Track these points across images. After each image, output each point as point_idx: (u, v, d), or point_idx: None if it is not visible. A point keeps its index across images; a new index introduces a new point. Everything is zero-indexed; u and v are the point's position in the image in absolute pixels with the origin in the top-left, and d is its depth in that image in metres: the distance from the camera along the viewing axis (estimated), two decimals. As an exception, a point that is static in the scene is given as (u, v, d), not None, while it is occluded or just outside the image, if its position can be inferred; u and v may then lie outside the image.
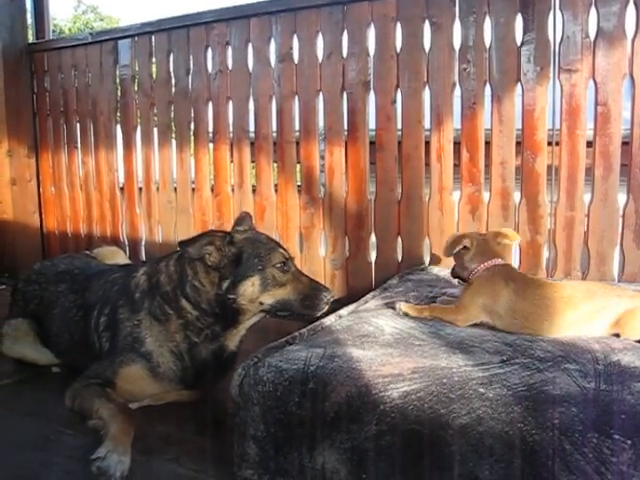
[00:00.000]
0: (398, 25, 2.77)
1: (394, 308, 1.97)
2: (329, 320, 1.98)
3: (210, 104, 3.27)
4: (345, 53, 2.90)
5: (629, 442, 1.13)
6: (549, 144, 2.52)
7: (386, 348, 1.64)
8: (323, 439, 1.43)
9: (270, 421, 1.51)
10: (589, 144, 2.48)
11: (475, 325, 1.84)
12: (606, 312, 1.72)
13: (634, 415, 1.20)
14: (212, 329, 1.97)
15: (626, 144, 2.43)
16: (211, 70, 3.24)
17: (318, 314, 1.95)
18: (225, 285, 1.90)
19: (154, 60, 3.46)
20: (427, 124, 2.75)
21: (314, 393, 1.46)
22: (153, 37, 3.41)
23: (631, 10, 2.41)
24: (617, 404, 1.24)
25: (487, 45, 2.61)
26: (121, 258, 2.84)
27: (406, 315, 1.92)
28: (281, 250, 1.96)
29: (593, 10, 2.44)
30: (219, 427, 1.78)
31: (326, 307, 1.96)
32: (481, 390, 1.33)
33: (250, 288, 1.90)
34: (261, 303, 1.92)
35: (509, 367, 1.47)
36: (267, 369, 1.55)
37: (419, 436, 1.30)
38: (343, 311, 2.11)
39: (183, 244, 1.91)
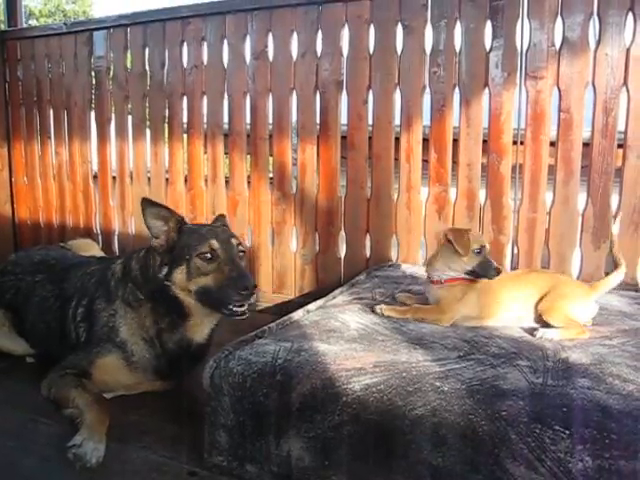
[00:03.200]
0: (372, 27, 2.83)
1: (375, 311, 1.99)
2: (297, 315, 2.05)
3: (185, 98, 3.30)
4: (319, 52, 2.95)
5: (567, 432, 1.22)
6: (514, 144, 2.62)
7: (351, 343, 1.71)
8: (289, 428, 1.51)
9: (239, 411, 1.57)
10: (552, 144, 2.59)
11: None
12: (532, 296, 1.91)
13: (574, 408, 1.29)
14: (171, 316, 2.02)
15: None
16: (186, 65, 3.27)
17: (235, 308, 1.89)
18: (164, 271, 1.96)
19: (129, 53, 3.48)
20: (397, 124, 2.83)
21: (281, 385, 1.53)
22: (129, 30, 3.43)
23: (594, 22, 2.51)
24: (560, 398, 1.33)
25: (457, 50, 2.69)
26: (95, 250, 2.87)
27: (389, 317, 1.95)
28: (212, 241, 1.94)
29: (559, 20, 2.54)
30: (191, 416, 1.84)
31: (243, 301, 1.89)
32: (437, 384, 1.41)
33: (179, 275, 1.94)
34: (189, 291, 1.95)
35: (465, 363, 1.55)
36: (237, 362, 1.62)
37: (378, 426, 1.38)
38: (311, 306, 2.18)
39: (145, 201, 1.97)
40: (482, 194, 2.70)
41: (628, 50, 2.47)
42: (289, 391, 1.51)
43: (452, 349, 1.66)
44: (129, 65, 3.50)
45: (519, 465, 1.24)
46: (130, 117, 3.51)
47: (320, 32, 2.94)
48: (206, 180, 3.33)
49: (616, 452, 1.19)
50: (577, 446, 1.21)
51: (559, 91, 2.56)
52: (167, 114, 3.37)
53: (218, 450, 1.63)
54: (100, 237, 3.69)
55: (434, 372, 1.48)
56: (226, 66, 3.18)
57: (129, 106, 3.51)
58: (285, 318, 2.01)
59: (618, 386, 1.42)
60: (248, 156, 3.22)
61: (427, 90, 2.75)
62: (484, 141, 2.67)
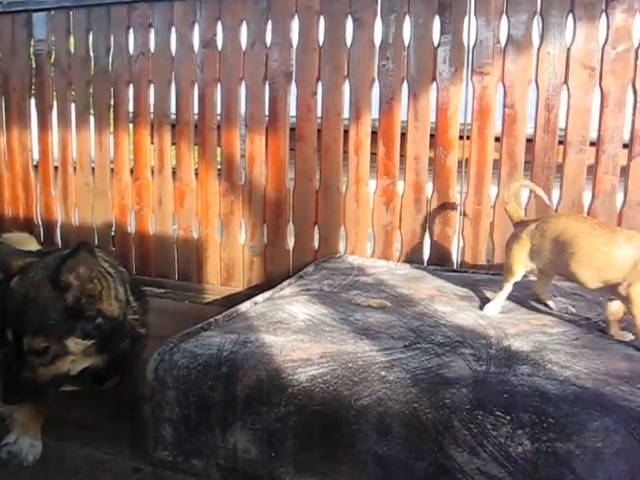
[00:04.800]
0: (322, 19, 2.83)
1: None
2: (244, 307, 2.04)
3: (131, 86, 3.22)
4: (269, 43, 2.93)
5: (508, 417, 1.26)
6: (460, 138, 2.67)
7: (297, 334, 1.71)
8: (235, 420, 1.50)
9: (184, 404, 1.56)
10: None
11: (384, 312, 1.95)
12: None
13: (515, 394, 1.33)
14: None
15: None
16: (132, 52, 3.19)
17: None
18: None
19: (72, 37, 3.36)
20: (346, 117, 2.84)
21: (227, 377, 1.52)
22: (71, 13, 3.31)
23: (538, 21, 2.57)
24: (502, 385, 1.37)
25: (406, 44, 2.71)
26: (33, 245, 2.77)
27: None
28: None
29: (505, 18, 2.59)
30: (135, 412, 1.81)
31: None
32: (383, 373, 1.42)
33: None
34: None
35: (411, 352, 1.57)
36: (182, 354, 1.60)
37: (324, 416, 1.39)
38: (259, 298, 2.17)
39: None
40: (429, 187, 2.73)
41: (569, 50, 2.54)
42: (235, 383, 1.50)
43: (398, 338, 1.68)
44: (72, 50, 3.39)
45: (462, 451, 1.27)
46: (73, 104, 3.41)
47: (270, 22, 2.92)
48: (153, 171, 3.26)
49: (553, 435, 1.23)
50: (517, 431, 1.24)
51: (504, 87, 2.61)
52: (112, 102, 3.29)
53: (163, 445, 1.60)
54: (41, 229, 3.57)
55: (380, 362, 1.49)
56: (174, 54, 3.11)
57: (72, 93, 3.40)
58: (232, 310, 2.00)
59: (557, 372, 1.46)
60: (196, 146, 3.17)
61: (376, 83, 2.76)
62: (431, 135, 2.71)
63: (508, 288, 2.04)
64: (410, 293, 2.19)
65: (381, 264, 2.67)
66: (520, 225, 2.05)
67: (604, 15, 2.52)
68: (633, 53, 2.51)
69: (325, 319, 1.85)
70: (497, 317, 1.94)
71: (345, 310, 1.95)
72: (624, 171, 2.56)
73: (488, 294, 2.16)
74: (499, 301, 2.03)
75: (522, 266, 2.00)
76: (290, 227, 2.98)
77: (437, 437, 1.28)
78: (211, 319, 1.87)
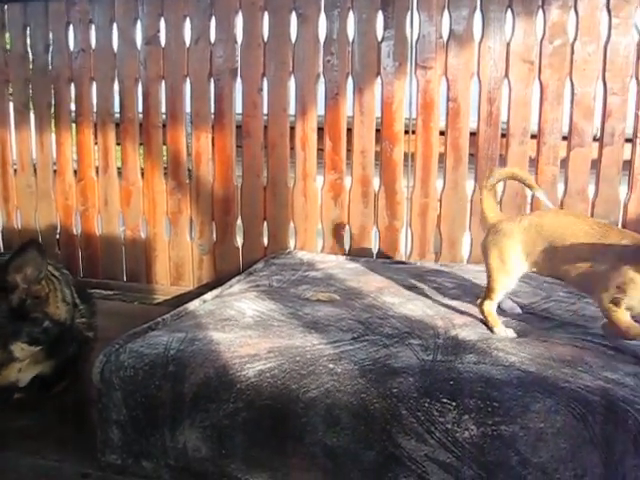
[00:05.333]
0: (266, 14, 2.81)
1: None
2: (193, 305, 2.02)
3: (72, 84, 3.14)
4: (213, 39, 2.90)
5: (454, 404, 1.27)
6: (406, 132, 2.70)
7: (246, 330, 1.70)
8: (183, 419, 1.48)
9: (132, 405, 1.53)
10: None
11: (333, 305, 1.95)
12: None
13: (461, 381, 1.35)
14: None
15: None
16: (73, 48, 3.11)
17: None
18: None
19: (8, 33, 3.25)
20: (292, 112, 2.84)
21: (174, 375, 1.50)
22: (6, 7, 3.20)
23: (478, 16, 2.62)
24: (448, 372, 1.39)
25: (350, 39, 2.72)
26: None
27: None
28: None
29: (446, 13, 2.63)
30: (82, 416, 1.77)
31: None
32: (330, 366, 1.43)
33: None
34: None
35: (359, 344, 1.58)
36: (128, 354, 1.57)
37: (273, 410, 1.38)
38: (207, 296, 2.15)
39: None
40: (376, 181, 2.75)
41: (508, 44, 2.60)
42: (182, 381, 1.48)
43: (347, 331, 1.69)
44: (8, 46, 3.28)
45: (410, 439, 1.28)
46: (11, 103, 3.30)
47: (214, 18, 2.89)
48: (97, 170, 3.19)
49: (498, 418, 1.25)
50: (463, 416, 1.26)
51: (447, 81, 2.65)
52: (53, 100, 3.20)
53: (111, 448, 1.57)
54: (-19, 232, 3.45)
55: (328, 354, 1.49)
56: (116, 51, 3.05)
57: (9, 91, 3.30)
58: (180, 309, 1.97)
59: (502, 358, 1.49)
60: (141, 145, 3.11)
61: (321, 79, 2.77)
62: (377, 129, 2.73)
63: (500, 297, 1.82)
64: (359, 286, 2.20)
65: (331, 259, 2.68)
66: (503, 222, 1.82)
67: (541, 11, 2.59)
68: (569, 48, 2.58)
69: (274, 314, 1.84)
70: (444, 306, 1.96)
71: (294, 305, 1.94)
72: (564, 162, 2.64)
73: (434, 286, 2.20)
74: (499, 321, 1.77)
75: (516, 269, 1.77)
76: (239, 224, 2.96)
77: (385, 426, 1.29)
78: (159, 318, 1.84)
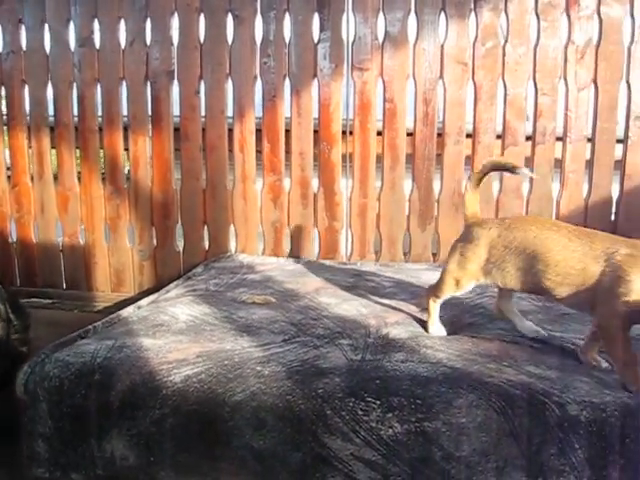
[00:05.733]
0: (202, 16, 2.79)
1: None
2: (127, 312, 1.98)
3: (2, 87, 3.05)
4: (149, 41, 2.85)
5: (378, 402, 1.28)
6: (344, 133, 2.72)
7: (177, 335, 1.68)
8: (110, 428, 1.45)
9: (57, 416, 1.49)
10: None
11: (269, 308, 1.94)
12: None
13: (387, 379, 1.36)
14: None
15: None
16: (2, 49, 3.01)
17: None
18: None
19: None
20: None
21: (100, 384, 1.46)
22: None
23: (413, 18, 2.66)
24: (375, 371, 1.40)
25: (287, 41, 2.72)
26: None
27: None
28: None
29: (381, 15, 2.66)
30: (11, 432, 1.71)
31: None
32: (258, 368, 1.42)
33: None
34: None
35: (289, 346, 1.58)
36: (53, 364, 1.53)
37: (200, 415, 1.37)
38: (143, 301, 2.12)
39: None
40: (315, 182, 2.76)
41: (442, 46, 2.64)
42: (108, 390, 1.45)
43: (278, 333, 1.68)
44: None
45: (336, 438, 1.28)
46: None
47: (149, 20, 2.84)
48: (32, 176, 3.11)
49: (421, 415, 1.27)
50: (387, 414, 1.27)
51: (383, 82, 2.68)
52: (-18, 104, 3.10)
53: (38, 462, 1.52)
54: None
55: (256, 357, 1.49)
56: (48, 53, 2.97)
57: None
58: (113, 316, 1.93)
59: (430, 355, 1.51)
60: (77, 149, 3.04)
61: (258, 81, 2.76)
62: (315, 131, 2.74)
63: (439, 304, 1.76)
64: (297, 287, 2.20)
65: (271, 261, 2.67)
66: (475, 226, 1.68)
67: (473, 14, 2.64)
68: (501, 50, 2.64)
69: (207, 318, 1.83)
70: (379, 305, 1.98)
71: (229, 308, 1.93)
72: (498, 161, 2.69)
73: (372, 285, 2.21)
74: (436, 319, 1.76)
75: (472, 279, 1.67)
76: (179, 228, 2.92)
77: (311, 427, 1.29)
78: (89, 326, 1.80)
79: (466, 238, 1.69)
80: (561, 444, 1.27)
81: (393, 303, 2.01)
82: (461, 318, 1.88)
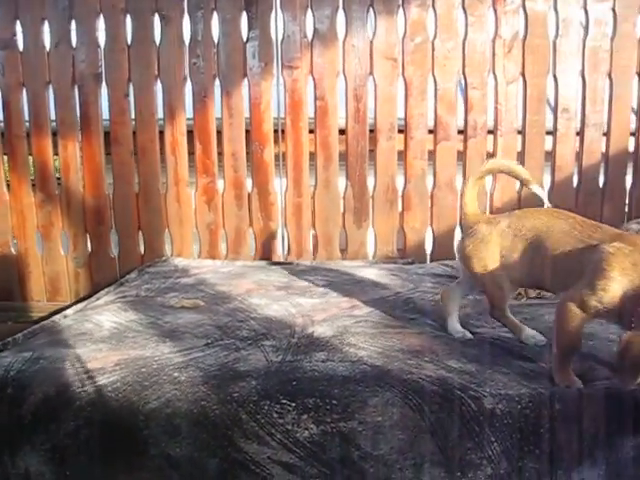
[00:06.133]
0: (128, 17, 2.73)
1: None
2: (51, 322, 1.92)
3: None
4: (74, 43, 2.78)
5: (293, 404, 1.26)
6: (275, 132, 2.70)
7: (98, 344, 1.63)
8: (23, 443, 1.39)
9: (-31, 435, 1.43)
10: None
11: (197, 311, 1.91)
12: None
13: (304, 380, 1.34)
14: None
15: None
16: None
17: None
18: None
19: None
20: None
21: (12, 398, 1.41)
22: None
23: (341, 15, 2.65)
24: (293, 373, 1.38)
25: (215, 40, 2.68)
26: None
27: None
28: None
29: (310, 12, 2.65)
30: None
31: None
32: (175, 374, 1.39)
33: None
34: None
35: (211, 350, 1.55)
36: (-34, 380, 1.47)
37: (114, 425, 1.32)
38: (70, 310, 2.07)
39: None
40: (249, 183, 2.73)
41: (372, 42, 2.65)
42: (21, 403, 1.39)
43: (202, 337, 1.65)
44: None
45: (252, 443, 1.26)
46: None
47: (74, 21, 2.77)
48: (-41, 185, 3.00)
49: (336, 415, 1.25)
50: (302, 416, 1.25)
51: (314, 80, 2.67)
52: None
53: (-50, 482, 1.47)
54: None
55: (175, 363, 1.45)
56: (-31, 57, 2.87)
57: None
58: (36, 326, 1.87)
59: (351, 354, 1.50)
60: (5, 156, 2.95)
61: (188, 81, 2.72)
62: (247, 131, 2.71)
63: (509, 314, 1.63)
64: (229, 290, 2.17)
65: (207, 264, 2.64)
66: (481, 224, 1.61)
67: (401, 10, 2.65)
68: (430, 45, 2.66)
69: (132, 325, 1.78)
70: (309, 304, 1.97)
71: (156, 314, 1.89)
72: (432, 155, 2.71)
73: (305, 284, 2.20)
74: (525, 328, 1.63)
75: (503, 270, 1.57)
76: (114, 234, 2.86)
77: (226, 432, 1.26)
78: (9, 338, 1.74)
79: (475, 238, 1.61)
80: (477, 438, 1.27)
81: (323, 301, 2.00)
82: (392, 313, 1.88)
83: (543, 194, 1.63)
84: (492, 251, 1.57)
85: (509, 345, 1.64)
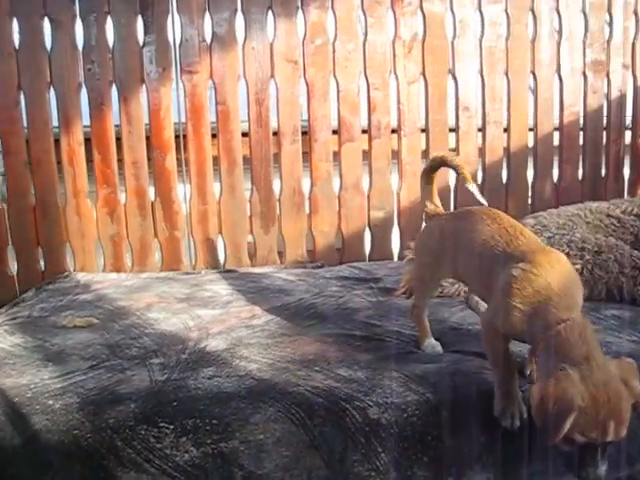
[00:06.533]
0: (15, 21, 2.59)
1: None
2: None
3: None
4: (-42, 49, 2.63)
5: (172, 427, 1.22)
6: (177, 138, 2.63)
7: (-27, 373, 1.54)
8: None
9: None
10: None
11: (90, 330, 1.83)
12: None
13: (185, 400, 1.30)
14: None
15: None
16: None
17: None
18: None
19: None
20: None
21: None
22: None
23: (240, 18, 2.61)
24: (175, 392, 1.33)
25: (110, 45, 2.59)
26: None
27: None
28: None
29: (208, 15, 2.59)
30: None
31: None
32: (50, 402, 1.32)
33: None
34: None
35: (94, 372, 1.48)
36: None
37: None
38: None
39: None
40: (152, 191, 2.65)
41: (272, 45, 2.61)
42: None
43: (88, 359, 1.58)
44: None
45: (129, 471, 1.21)
46: None
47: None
48: None
49: (216, 436, 1.22)
50: (181, 439, 1.22)
51: (214, 84, 2.61)
52: None
53: None
54: None
55: (52, 390, 1.38)
56: None
57: None
58: None
59: (241, 367, 1.47)
60: None
61: (84, 88, 2.60)
62: (147, 137, 2.63)
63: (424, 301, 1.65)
64: (128, 304, 2.10)
65: (111, 277, 2.54)
66: (431, 220, 1.66)
67: (300, 12, 2.63)
68: (330, 46, 2.65)
69: (15, 350, 1.69)
70: (209, 316, 1.92)
71: (45, 335, 1.80)
72: (337, 157, 2.71)
73: (209, 295, 2.15)
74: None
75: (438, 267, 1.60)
76: (11, 250, 2.71)
77: (102, 462, 1.21)
78: None
79: (424, 232, 1.70)
80: (364, 449, 1.27)
81: (224, 312, 1.96)
82: (292, 320, 1.86)
83: (477, 193, 1.59)
84: (428, 247, 1.63)
85: (407, 347, 1.65)
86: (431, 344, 1.62)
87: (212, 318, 1.90)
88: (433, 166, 1.68)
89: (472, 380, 1.41)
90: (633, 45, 2.93)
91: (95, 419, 1.25)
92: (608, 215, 2.37)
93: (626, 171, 3.06)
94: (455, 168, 1.65)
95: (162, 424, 1.23)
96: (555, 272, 1.28)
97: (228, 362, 1.51)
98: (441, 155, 1.70)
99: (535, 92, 2.86)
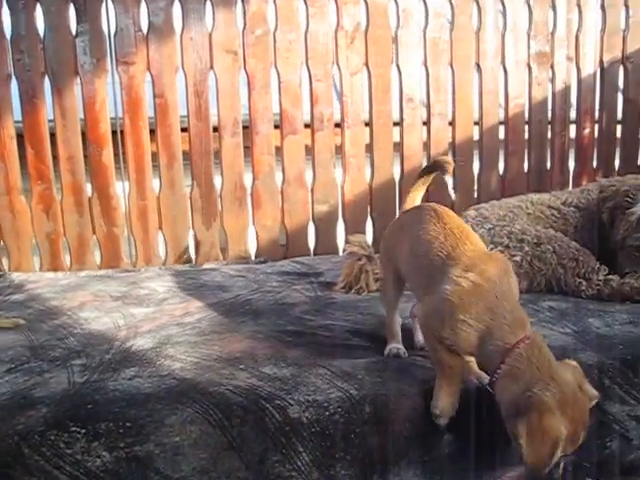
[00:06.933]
0: None
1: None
2: None
3: None
4: None
5: (83, 431, 1.17)
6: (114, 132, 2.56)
7: None
8: None
9: None
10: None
11: (15, 331, 1.76)
12: None
13: (101, 403, 1.25)
14: None
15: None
16: None
17: None
18: None
19: None
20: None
21: None
22: None
23: (177, 7, 2.54)
24: (92, 395, 1.28)
25: (41, 35, 2.49)
26: None
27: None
28: None
29: (144, 4, 2.52)
30: None
31: None
32: (-45, 411, 1.25)
33: None
34: None
35: (10, 375, 1.42)
36: None
37: None
38: None
39: None
40: (89, 187, 2.57)
41: (210, 35, 2.56)
42: None
43: (7, 362, 1.51)
44: None
45: (37, 479, 1.16)
46: None
47: None
48: None
49: (130, 439, 1.18)
50: (92, 443, 1.17)
51: (151, 76, 2.54)
52: None
53: None
54: None
55: (-38, 398, 1.32)
56: None
57: None
58: None
59: (164, 367, 1.43)
60: None
61: (14, 80, 2.51)
62: (83, 132, 2.55)
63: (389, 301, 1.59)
64: (61, 304, 2.03)
65: (47, 277, 2.45)
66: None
67: (240, 1, 2.58)
68: (271, 37, 2.61)
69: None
70: (142, 314, 1.87)
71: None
72: (280, 150, 2.67)
73: (145, 292, 2.10)
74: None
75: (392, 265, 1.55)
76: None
77: (7, 471, 1.15)
78: None
79: (385, 233, 1.64)
80: (285, 449, 1.24)
81: (157, 310, 1.91)
82: (227, 317, 1.82)
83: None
84: (384, 246, 1.60)
85: (337, 341, 1.63)
86: (395, 347, 1.53)
87: (145, 316, 1.85)
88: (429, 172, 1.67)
89: (400, 376, 1.40)
90: (577, 37, 2.96)
91: (2, 425, 1.19)
92: (549, 206, 2.38)
93: (571, 163, 3.09)
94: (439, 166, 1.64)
95: (74, 428, 1.18)
96: (504, 285, 1.24)
97: (152, 362, 1.46)
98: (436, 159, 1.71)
99: (480, 84, 2.86)
